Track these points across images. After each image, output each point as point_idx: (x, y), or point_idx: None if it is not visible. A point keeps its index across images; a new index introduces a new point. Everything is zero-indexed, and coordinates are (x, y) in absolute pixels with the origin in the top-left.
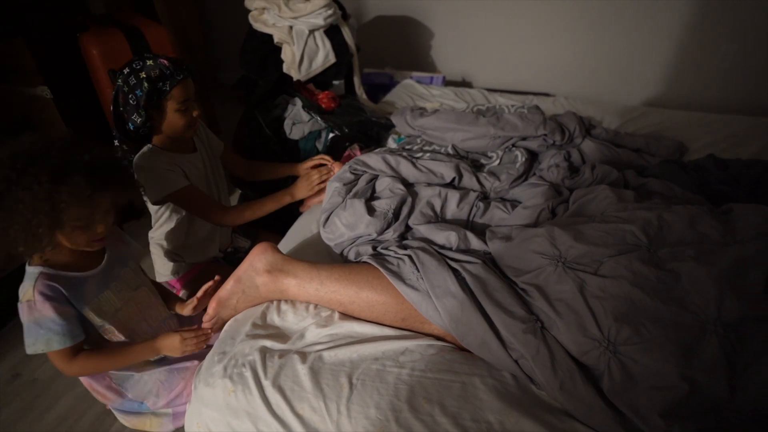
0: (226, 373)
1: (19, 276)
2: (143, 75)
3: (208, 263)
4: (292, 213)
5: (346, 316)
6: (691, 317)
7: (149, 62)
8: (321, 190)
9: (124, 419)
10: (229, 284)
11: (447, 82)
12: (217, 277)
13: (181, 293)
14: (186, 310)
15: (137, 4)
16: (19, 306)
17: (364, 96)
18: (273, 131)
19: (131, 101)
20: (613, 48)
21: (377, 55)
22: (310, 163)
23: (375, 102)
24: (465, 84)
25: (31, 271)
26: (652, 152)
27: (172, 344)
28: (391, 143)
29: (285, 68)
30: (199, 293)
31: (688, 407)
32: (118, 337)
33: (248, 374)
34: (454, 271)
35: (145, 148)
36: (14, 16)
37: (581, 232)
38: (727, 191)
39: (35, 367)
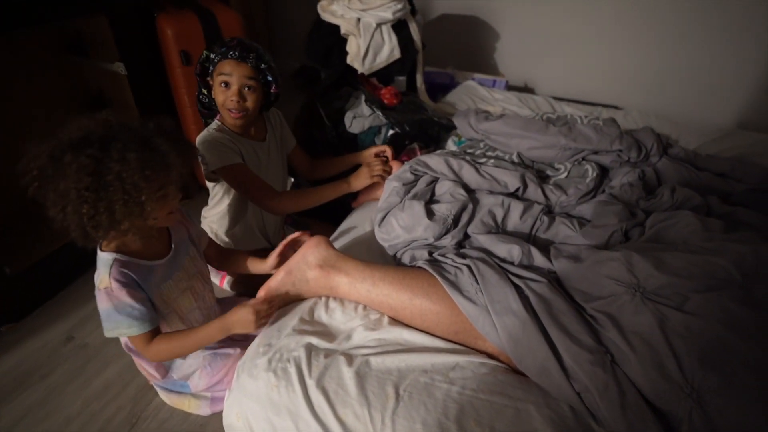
0: (271, 366)
1: (73, 248)
2: (209, 46)
3: (256, 253)
4: (344, 206)
5: (395, 321)
6: None
7: (226, 39)
8: (377, 186)
9: (165, 396)
10: (279, 275)
11: (509, 87)
12: (307, 233)
13: (226, 280)
14: (268, 264)
15: None
16: (97, 293)
17: (425, 94)
18: (332, 123)
19: (195, 69)
20: (695, 59)
21: (439, 54)
22: (373, 149)
23: (434, 101)
24: (527, 90)
25: (105, 257)
26: (738, 178)
27: (245, 319)
28: (451, 145)
29: (349, 60)
30: (285, 242)
31: None
32: (177, 326)
33: (292, 370)
34: (517, 287)
35: (212, 123)
36: None
37: (663, 260)
38: None
39: (88, 333)
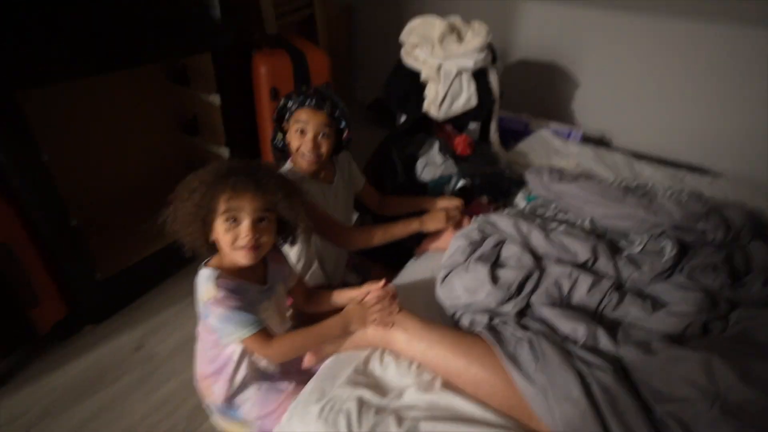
0: (322, 415)
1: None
2: (288, 94)
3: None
4: (406, 252)
5: (448, 384)
6: None
7: (303, 88)
8: (442, 235)
9: (217, 418)
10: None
11: (585, 138)
12: (383, 282)
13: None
14: (354, 293)
15: (301, 26)
16: (204, 308)
17: (498, 144)
18: (404, 168)
19: (273, 115)
20: None
21: (515, 99)
22: (446, 202)
23: (506, 149)
24: (603, 142)
25: (208, 273)
26: None
27: (359, 315)
28: (521, 201)
29: (426, 105)
30: (372, 288)
31: None
32: None
33: (343, 423)
34: (580, 373)
35: (284, 165)
36: (206, 36)
37: (750, 369)
38: None
39: (155, 344)
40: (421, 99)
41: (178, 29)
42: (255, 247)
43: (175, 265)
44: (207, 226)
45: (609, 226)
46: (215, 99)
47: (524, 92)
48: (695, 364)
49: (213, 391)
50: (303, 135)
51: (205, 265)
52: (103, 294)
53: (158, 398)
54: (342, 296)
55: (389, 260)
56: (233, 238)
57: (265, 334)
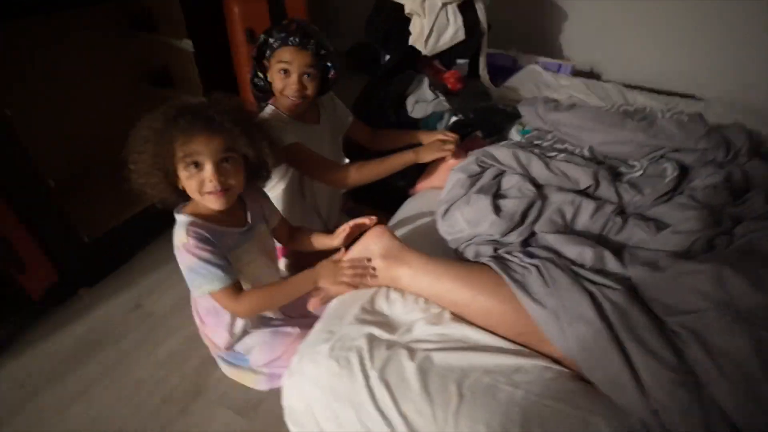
0: (333, 353)
1: (147, 214)
2: (267, 29)
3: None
4: (400, 194)
5: (456, 316)
6: None
7: (284, 22)
8: (436, 173)
9: (225, 368)
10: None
11: (575, 72)
12: (374, 218)
13: (282, 261)
14: (335, 240)
15: None
16: (177, 253)
17: (488, 79)
18: (393, 107)
19: (252, 53)
20: None
21: (501, 35)
22: (439, 134)
23: (495, 86)
24: (594, 75)
25: (181, 219)
26: None
27: (330, 272)
28: (515, 134)
29: (411, 41)
30: (353, 222)
31: None
32: (246, 287)
33: (354, 360)
34: (590, 293)
35: (266, 108)
36: None
37: (761, 277)
38: None
39: (153, 301)
40: (405, 35)
41: None
42: (223, 190)
43: (164, 222)
44: (170, 175)
45: (608, 152)
46: (187, 45)
47: (510, 27)
48: (705, 275)
49: (214, 341)
50: (287, 75)
51: (180, 211)
52: (93, 256)
53: (164, 353)
54: (320, 241)
55: (383, 203)
56: (198, 183)
57: (233, 289)
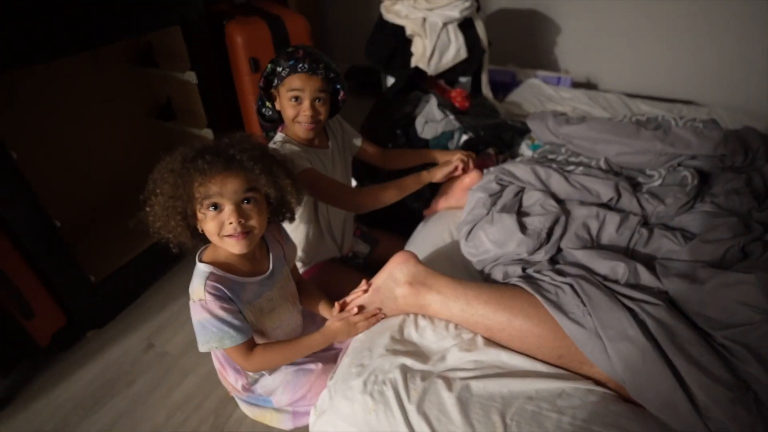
0: (366, 389)
1: (154, 251)
2: (274, 59)
3: (327, 263)
4: (415, 218)
5: (489, 341)
6: None
7: (289, 49)
8: (451, 194)
9: (246, 409)
10: (367, 293)
11: (575, 84)
12: (365, 285)
13: None
14: (334, 312)
15: None
16: (191, 306)
17: (491, 95)
18: (403, 128)
19: (259, 83)
20: None
21: (499, 51)
22: (457, 154)
23: (497, 101)
24: (590, 86)
25: (202, 269)
26: None
27: (341, 330)
28: (525, 150)
29: (414, 61)
30: (350, 298)
31: None
32: (259, 341)
33: (390, 394)
34: (630, 310)
35: (276, 136)
36: (173, 6)
37: None
38: None
39: (166, 340)
40: (407, 56)
41: (141, 1)
42: (244, 233)
43: (171, 259)
44: (189, 217)
45: (625, 163)
46: (191, 77)
47: (508, 42)
48: (750, 286)
49: (231, 383)
50: (299, 103)
51: (200, 256)
52: (101, 297)
53: (180, 396)
54: (324, 310)
55: (397, 226)
56: (218, 226)
57: (245, 347)
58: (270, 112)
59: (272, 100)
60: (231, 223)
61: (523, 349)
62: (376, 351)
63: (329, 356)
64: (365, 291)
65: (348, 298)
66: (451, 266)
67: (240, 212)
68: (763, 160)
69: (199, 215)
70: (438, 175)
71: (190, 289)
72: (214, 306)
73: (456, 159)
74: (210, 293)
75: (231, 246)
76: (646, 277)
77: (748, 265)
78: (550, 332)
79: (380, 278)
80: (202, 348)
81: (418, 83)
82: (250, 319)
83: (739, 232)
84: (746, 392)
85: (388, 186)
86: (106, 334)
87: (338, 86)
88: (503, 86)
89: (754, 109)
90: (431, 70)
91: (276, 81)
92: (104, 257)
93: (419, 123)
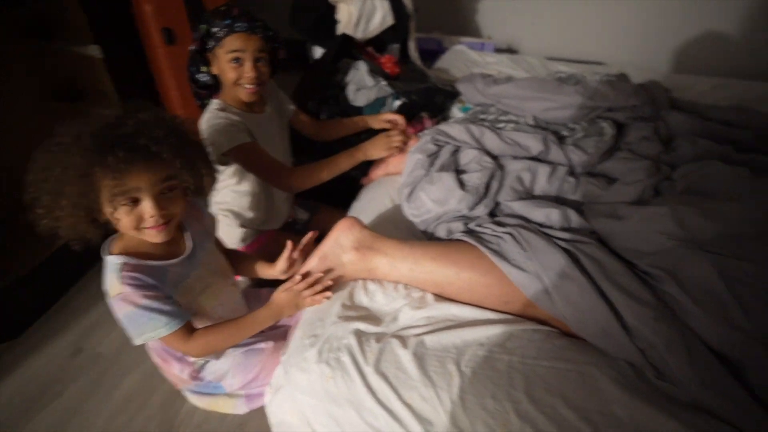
0: (322, 357)
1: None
2: (205, 18)
3: (275, 233)
4: (353, 186)
5: (439, 297)
6: None
7: (221, 8)
8: (389, 160)
9: (196, 400)
10: (313, 261)
11: (498, 50)
12: (311, 234)
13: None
14: (277, 269)
15: None
16: (111, 302)
17: (419, 61)
18: (334, 97)
19: (191, 48)
20: (675, 13)
21: (425, 19)
22: (386, 116)
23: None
24: (512, 51)
25: (112, 261)
26: (744, 125)
27: (292, 302)
28: (457, 112)
29: (342, 28)
30: (292, 253)
31: None
32: (202, 324)
33: (346, 359)
34: (566, 251)
35: (211, 104)
36: None
37: (712, 211)
38: None
39: (98, 341)
40: (332, 24)
41: None
42: (165, 222)
43: (90, 257)
44: (93, 211)
45: (550, 118)
46: (95, 51)
47: (431, 9)
48: (665, 217)
49: (176, 374)
50: (240, 64)
51: (109, 249)
52: (11, 304)
53: (120, 397)
54: (263, 270)
55: (336, 196)
56: (136, 220)
57: (183, 331)
58: (206, 78)
59: (208, 64)
60: (152, 216)
61: (472, 300)
62: (329, 320)
63: (279, 334)
64: (291, 256)
65: (291, 253)
66: (396, 230)
67: (160, 204)
68: (666, 110)
69: (108, 209)
70: (374, 154)
71: (106, 286)
72: (137, 297)
73: (395, 145)
74: (129, 284)
75: (152, 237)
76: (576, 220)
77: (660, 201)
78: (496, 280)
79: (326, 246)
80: (137, 341)
81: (347, 50)
82: (183, 302)
83: (651, 173)
84: (665, 309)
85: (321, 166)
86: (23, 344)
87: (277, 44)
88: (430, 53)
89: (654, 66)
90: (359, 34)
91: (212, 43)
92: (10, 261)
93: (351, 90)
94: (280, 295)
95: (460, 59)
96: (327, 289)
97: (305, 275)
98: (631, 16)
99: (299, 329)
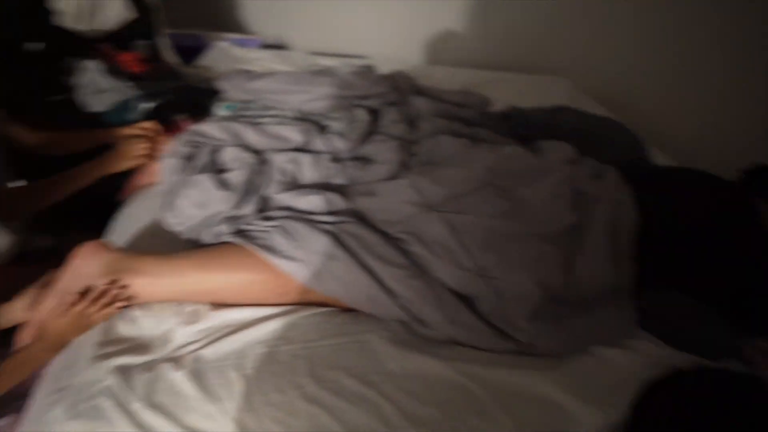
0: (74, 412)
1: None
2: None
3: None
4: (110, 204)
5: (216, 306)
6: (535, 234)
7: None
8: (145, 170)
9: None
10: (48, 302)
11: (264, 46)
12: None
13: None
14: (19, 306)
15: None
16: None
17: (174, 59)
18: (62, 104)
19: None
20: (423, 13)
21: (185, 15)
22: (134, 130)
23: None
24: (280, 47)
25: None
26: (469, 105)
27: (70, 326)
28: (221, 111)
29: (62, 21)
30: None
31: (541, 306)
32: None
33: (107, 404)
34: (329, 233)
35: None
36: None
37: (439, 177)
38: (528, 134)
39: None
40: (46, 14)
41: None
42: None
43: None
44: None
45: (311, 109)
46: None
47: (192, 5)
48: (406, 188)
49: None
50: None
51: None
52: None
53: None
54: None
55: (89, 219)
56: None
57: None
58: None
59: None
60: None
61: (250, 300)
62: (79, 366)
63: (19, 405)
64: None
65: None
66: (159, 244)
67: None
68: (411, 95)
69: None
70: (120, 165)
71: None
72: None
73: (140, 150)
74: None
75: None
76: (338, 202)
77: (407, 173)
78: (269, 275)
79: (64, 281)
80: None
81: (71, 49)
82: None
83: (399, 151)
84: (416, 267)
85: (47, 185)
86: None
87: None
88: (191, 51)
89: (409, 59)
90: (88, 29)
91: None
92: None
93: (83, 95)
94: (55, 322)
95: (222, 56)
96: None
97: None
98: (390, 14)
99: (40, 389)
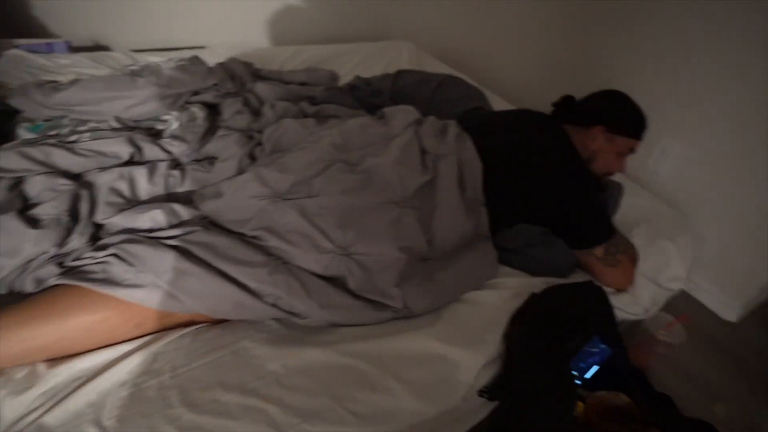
0: None
1: None
2: None
3: None
4: None
5: (56, 360)
6: (389, 202)
7: None
8: None
9: None
10: None
11: (75, 49)
12: None
13: None
14: None
15: None
16: None
17: None
18: None
19: None
20: None
21: None
22: None
23: None
24: (101, 49)
25: None
26: (315, 83)
27: None
28: (26, 134)
29: None
30: None
31: (408, 269)
32: None
33: None
34: (176, 248)
35: None
36: None
37: (285, 164)
38: (376, 101)
39: None
40: None
41: None
42: None
43: None
44: None
45: (136, 115)
46: None
47: None
48: (251, 182)
49: None
50: None
51: None
52: None
53: None
54: None
55: None
56: None
57: None
58: None
59: None
60: None
61: (101, 342)
62: None
63: None
64: None
65: None
66: None
67: None
68: (251, 83)
69: None
70: None
71: None
72: None
73: None
74: None
75: None
76: (184, 212)
77: (253, 166)
78: (114, 310)
79: None
80: None
81: None
82: None
83: (243, 143)
84: (276, 261)
85: None
86: None
87: None
88: None
89: (255, 43)
90: None
91: None
92: None
93: None
94: None
95: (19, 67)
96: None
97: None
98: None
99: None
